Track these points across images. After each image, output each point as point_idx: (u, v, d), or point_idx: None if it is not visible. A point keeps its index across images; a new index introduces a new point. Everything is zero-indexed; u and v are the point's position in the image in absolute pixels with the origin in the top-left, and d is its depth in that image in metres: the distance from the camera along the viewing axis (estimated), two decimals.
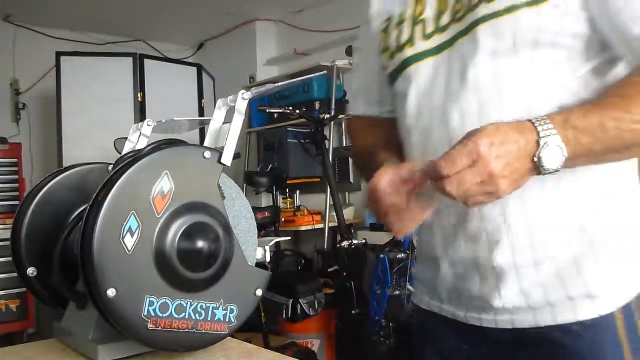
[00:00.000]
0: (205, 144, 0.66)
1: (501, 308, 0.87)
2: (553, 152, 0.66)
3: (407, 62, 0.90)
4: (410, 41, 0.90)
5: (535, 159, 0.66)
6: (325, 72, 0.77)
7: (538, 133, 0.66)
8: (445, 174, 0.65)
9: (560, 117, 0.68)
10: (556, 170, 0.67)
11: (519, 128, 0.68)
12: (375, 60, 0.99)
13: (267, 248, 0.67)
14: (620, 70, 0.80)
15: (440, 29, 0.87)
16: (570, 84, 0.80)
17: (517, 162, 0.66)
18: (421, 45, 0.89)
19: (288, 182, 3.56)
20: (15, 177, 3.63)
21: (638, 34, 0.72)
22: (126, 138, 0.75)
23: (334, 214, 2.86)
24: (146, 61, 3.91)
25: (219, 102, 0.67)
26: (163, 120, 0.73)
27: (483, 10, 0.80)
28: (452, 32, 0.85)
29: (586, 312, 0.81)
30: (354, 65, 1.06)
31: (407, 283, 2.42)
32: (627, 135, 0.68)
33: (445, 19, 0.86)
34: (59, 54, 3.72)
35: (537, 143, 0.66)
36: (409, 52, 0.90)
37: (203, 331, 0.60)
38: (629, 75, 0.75)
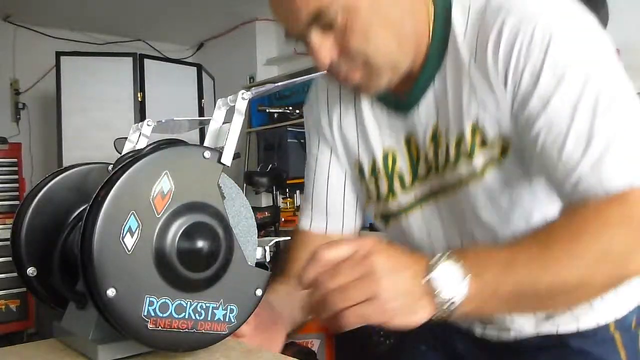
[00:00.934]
0: (205, 144, 0.66)
1: (512, 335, 0.88)
2: (447, 274, 0.60)
3: (395, 213, 0.88)
4: (392, 193, 0.87)
5: (425, 280, 0.60)
6: (325, 72, 0.77)
7: (429, 260, 0.62)
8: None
9: (463, 251, 0.64)
10: (452, 303, 0.60)
11: (411, 255, 0.64)
12: (336, 177, 0.95)
13: (267, 248, 0.67)
14: None
15: (419, 179, 0.85)
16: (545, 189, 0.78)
17: (408, 282, 0.60)
18: (404, 198, 0.86)
19: (288, 182, 3.56)
20: (15, 177, 3.63)
21: (570, 185, 0.67)
22: (126, 138, 0.75)
23: None
24: (146, 61, 3.91)
25: (219, 102, 0.67)
26: (163, 120, 0.73)
27: (464, 167, 0.77)
28: (436, 183, 0.82)
29: (586, 322, 0.83)
30: (308, 175, 1.00)
31: None
32: (541, 288, 0.61)
33: (422, 168, 0.84)
34: (59, 54, 3.72)
35: (428, 265, 0.61)
36: (393, 205, 0.88)
37: (203, 331, 0.60)
38: (561, 218, 0.68)
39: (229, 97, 0.65)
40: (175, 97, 4.02)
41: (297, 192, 3.74)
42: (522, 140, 0.71)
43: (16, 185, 3.61)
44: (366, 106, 0.88)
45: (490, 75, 0.72)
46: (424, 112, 0.81)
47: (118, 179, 0.55)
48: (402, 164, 0.86)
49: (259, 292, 0.64)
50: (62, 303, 0.71)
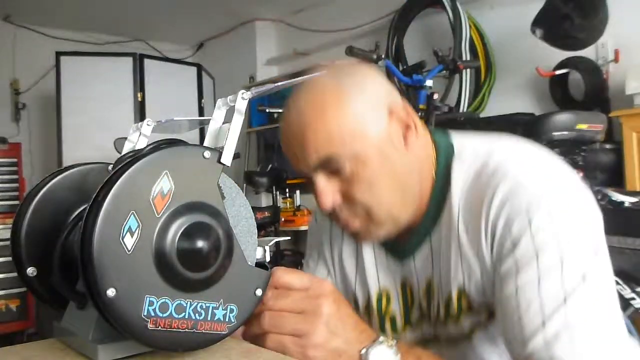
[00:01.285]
0: (205, 144, 0.66)
1: None
2: (384, 357, 0.63)
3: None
4: (382, 331, 0.87)
5: (363, 351, 0.63)
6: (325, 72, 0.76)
7: (376, 335, 0.64)
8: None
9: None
10: None
11: (362, 321, 0.66)
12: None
13: (267, 248, 0.67)
14: None
15: (411, 324, 0.85)
16: None
17: (345, 343, 0.63)
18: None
19: (288, 182, 3.56)
20: (15, 177, 3.63)
21: (524, 355, 0.67)
22: (126, 138, 0.75)
23: None
24: (146, 61, 3.91)
25: (219, 102, 0.67)
26: (163, 120, 0.73)
27: (453, 327, 0.78)
28: (428, 332, 0.83)
29: None
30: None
31: None
32: None
33: (415, 314, 0.84)
34: (59, 54, 3.73)
35: (373, 339, 0.64)
36: (381, 340, 0.89)
37: (203, 331, 0.60)
38: None
39: (228, 97, 0.65)
40: (175, 97, 4.02)
41: (297, 192, 3.74)
42: (494, 298, 0.72)
43: (16, 185, 3.61)
44: (367, 244, 0.89)
45: (481, 242, 0.73)
46: (420, 264, 0.82)
47: (118, 179, 0.55)
48: (395, 306, 0.86)
49: (259, 292, 0.64)
50: (62, 303, 0.71)
